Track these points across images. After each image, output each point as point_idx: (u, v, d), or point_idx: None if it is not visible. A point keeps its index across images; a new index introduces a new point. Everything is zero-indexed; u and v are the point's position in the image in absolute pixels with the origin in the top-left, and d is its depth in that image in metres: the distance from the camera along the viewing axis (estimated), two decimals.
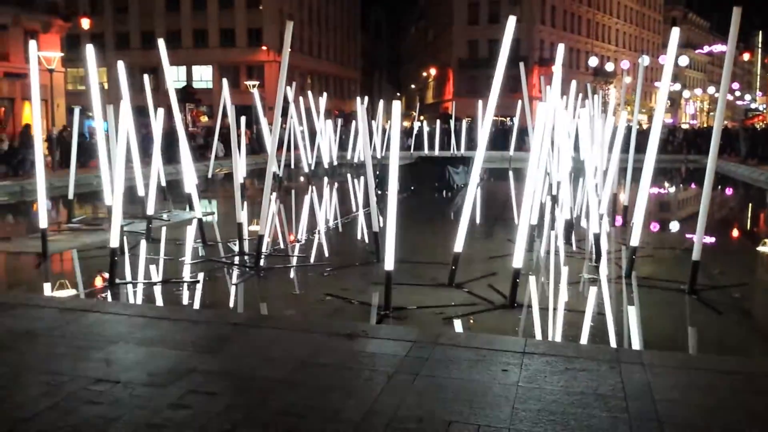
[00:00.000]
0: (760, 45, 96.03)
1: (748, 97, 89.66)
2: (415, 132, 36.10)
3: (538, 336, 6.13)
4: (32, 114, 9.34)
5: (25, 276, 8.79)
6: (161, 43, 10.25)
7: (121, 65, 10.53)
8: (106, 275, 7.76)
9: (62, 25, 33.90)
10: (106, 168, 10.32)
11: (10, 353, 4.85)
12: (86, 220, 12.67)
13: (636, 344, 6.02)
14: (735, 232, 13.56)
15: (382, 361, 4.69)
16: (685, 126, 53.26)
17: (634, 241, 8.14)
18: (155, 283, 8.05)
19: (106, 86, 48.26)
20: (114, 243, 7.66)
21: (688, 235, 10.54)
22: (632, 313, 6.98)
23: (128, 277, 8.20)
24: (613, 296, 7.61)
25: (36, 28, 31.65)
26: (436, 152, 32.07)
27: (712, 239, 10.84)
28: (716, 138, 7.41)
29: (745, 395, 4.19)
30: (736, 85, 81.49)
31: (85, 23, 33.83)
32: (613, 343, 5.94)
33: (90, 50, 9.69)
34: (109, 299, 7.30)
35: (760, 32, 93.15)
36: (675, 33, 8.21)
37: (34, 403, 3.96)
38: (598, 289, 7.93)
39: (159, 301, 7.34)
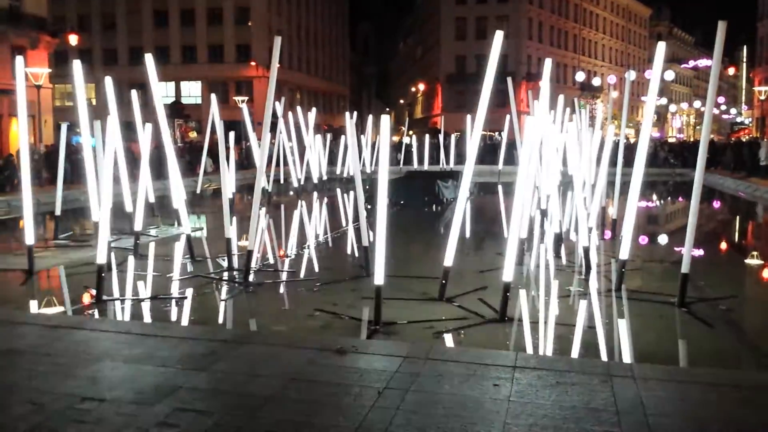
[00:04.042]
0: (744, 59, 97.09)
1: (733, 110, 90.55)
2: (404, 146, 36.19)
3: (529, 350, 6.11)
4: (19, 130, 9.28)
5: (11, 293, 8.68)
6: (149, 58, 10.23)
7: (108, 81, 10.49)
8: (93, 292, 7.68)
9: (50, 41, 33.83)
10: (94, 183, 10.26)
11: None
12: (73, 237, 12.57)
13: (627, 358, 6.00)
14: (723, 245, 13.62)
15: (372, 377, 4.65)
16: (672, 140, 53.67)
17: (624, 254, 8.15)
18: (143, 300, 7.97)
19: (94, 102, 48.16)
20: (101, 259, 7.60)
21: (676, 248, 10.57)
22: (622, 327, 6.98)
23: (116, 294, 8.12)
24: (603, 310, 7.60)
25: (24, 44, 31.56)
26: (426, 167, 32.13)
27: (701, 252, 10.88)
28: (703, 151, 7.45)
29: (736, 408, 4.18)
30: (721, 99, 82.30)
31: (73, 39, 33.71)
32: (604, 357, 5.92)
33: (77, 66, 9.67)
34: (96, 316, 7.22)
35: (745, 47, 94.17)
36: (661, 47, 8.28)
37: (19, 422, 3.89)
38: (588, 302, 7.93)
39: (146, 318, 7.26)
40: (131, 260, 10.19)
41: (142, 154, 10.77)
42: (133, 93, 11.62)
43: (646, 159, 8.02)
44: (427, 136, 35.86)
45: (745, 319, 7.43)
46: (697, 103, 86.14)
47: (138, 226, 10.66)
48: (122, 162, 11.75)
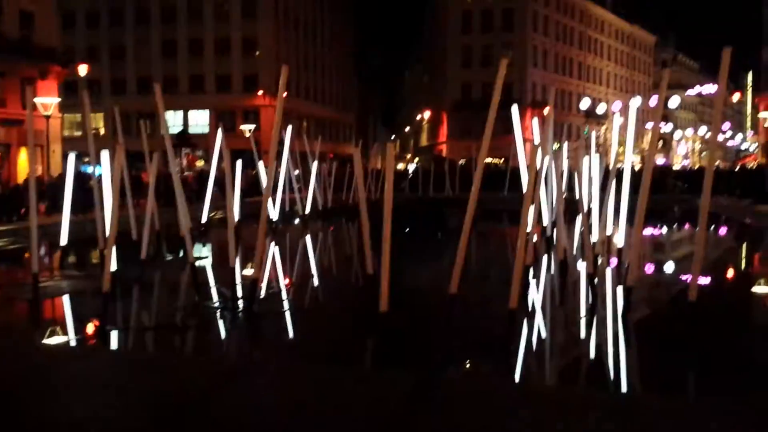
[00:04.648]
0: (750, 85, 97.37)
1: (739, 136, 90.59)
2: (409, 174, 36.30)
3: (536, 380, 6.05)
4: (28, 160, 9.36)
5: (16, 321, 8.67)
6: (157, 88, 10.33)
7: (116, 111, 10.59)
8: (97, 321, 7.66)
9: (60, 72, 34.22)
10: (100, 212, 10.29)
11: None
12: (79, 265, 12.58)
13: (635, 388, 5.93)
14: (730, 272, 13.51)
15: (379, 406, 4.60)
16: (677, 167, 53.68)
17: (630, 281, 8.10)
18: (146, 329, 7.95)
19: (102, 131, 48.57)
20: (105, 288, 7.59)
21: (683, 276, 10.50)
22: (630, 356, 6.90)
23: (119, 323, 8.10)
24: (610, 338, 7.53)
25: (34, 75, 31.93)
26: (431, 194, 32.18)
27: (707, 280, 10.79)
28: (709, 177, 7.44)
29: None
30: (726, 126, 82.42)
31: (83, 69, 34.12)
32: (611, 387, 5.85)
33: (86, 97, 9.78)
34: (99, 345, 7.19)
35: (750, 73, 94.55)
36: (665, 74, 8.32)
37: None
38: (594, 330, 7.86)
39: (149, 347, 7.24)
40: (136, 289, 10.17)
41: (150, 182, 10.83)
42: (141, 122, 11.72)
43: (651, 185, 8.01)
44: (432, 163, 36.02)
45: (751, 348, 7.33)
46: (702, 130, 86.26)
47: (143, 254, 10.67)
48: (128, 191, 11.81)
